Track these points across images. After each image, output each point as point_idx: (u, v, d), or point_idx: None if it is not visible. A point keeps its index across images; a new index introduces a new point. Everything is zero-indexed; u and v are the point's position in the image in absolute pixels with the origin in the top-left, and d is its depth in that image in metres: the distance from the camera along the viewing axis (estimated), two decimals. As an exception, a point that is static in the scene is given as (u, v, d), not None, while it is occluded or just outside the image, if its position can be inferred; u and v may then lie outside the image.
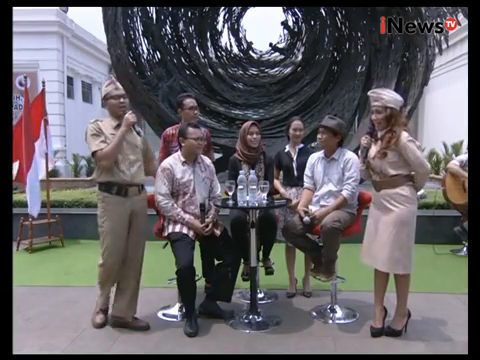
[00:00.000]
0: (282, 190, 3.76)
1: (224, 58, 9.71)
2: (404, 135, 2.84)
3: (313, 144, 6.78)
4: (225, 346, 2.89)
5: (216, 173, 3.54)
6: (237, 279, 3.35)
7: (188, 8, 8.94)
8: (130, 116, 3.01)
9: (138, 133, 3.13)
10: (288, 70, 9.76)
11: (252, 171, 3.31)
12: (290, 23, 9.63)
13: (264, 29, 12.46)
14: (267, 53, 9.90)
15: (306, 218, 3.16)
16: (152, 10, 8.52)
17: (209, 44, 9.50)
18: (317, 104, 8.82)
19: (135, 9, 8.15)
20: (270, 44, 9.79)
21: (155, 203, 3.27)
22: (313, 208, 3.32)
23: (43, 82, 5.93)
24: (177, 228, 3.20)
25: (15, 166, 5.46)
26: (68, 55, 15.27)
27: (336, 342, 2.92)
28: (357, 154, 3.19)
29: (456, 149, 12.44)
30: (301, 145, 3.86)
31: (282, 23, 9.65)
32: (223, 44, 9.70)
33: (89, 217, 5.45)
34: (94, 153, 2.99)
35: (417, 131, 16.85)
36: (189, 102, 3.75)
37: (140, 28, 8.35)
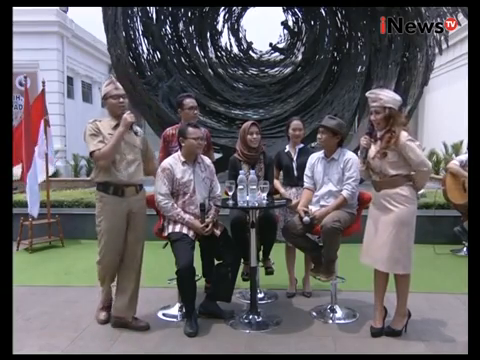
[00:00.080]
0: (282, 190, 3.76)
1: (224, 58, 9.71)
2: (403, 135, 2.84)
3: (313, 144, 6.77)
4: (225, 346, 2.89)
5: (216, 173, 3.54)
6: (237, 279, 3.35)
7: (188, 8, 8.93)
8: (128, 116, 3.01)
9: (135, 133, 3.13)
10: (288, 70, 9.75)
11: (252, 171, 3.31)
12: (290, 23, 9.63)
13: (264, 29, 12.48)
14: (267, 53, 9.89)
15: (306, 218, 3.17)
16: (152, 10, 8.52)
17: (209, 44, 9.50)
18: (317, 104, 8.82)
19: (135, 9, 8.14)
20: (270, 44, 9.79)
21: (155, 203, 3.27)
22: (313, 208, 3.33)
23: (43, 82, 5.93)
24: (177, 228, 3.20)
25: (19, 167, 5.47)
26: (68, 55, 15.28)
27: (336, 342, 2.92)
28: (357, 154, 3.19)
29: (456, 149, 12.45)
30: (301, 145, 3.86)
31: (282, 23, 9.65)
32: (223, 44, 9.70)
33: (89, 217, 5.40)
34: (92, 153, 3.00)
35: (417, 131, 16.85)
36: (189, 102, 3.76)
37: (140, 28, 8.35)
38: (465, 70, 10.73)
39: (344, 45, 9.10)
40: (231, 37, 9.67)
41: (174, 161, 3.30)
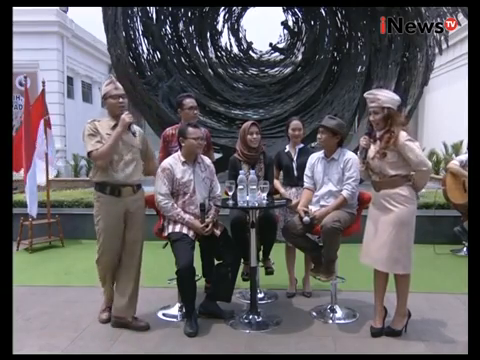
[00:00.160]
0: (282, 190, 3.76)
1: (224, 58, 9.71)
2: (402, 135, 2.84)
3: (313, 144, 6.77)
4: (225, 346, 2.89)
5: (216, 173, 3.54)
6: (237, 279, 3.35)
7: (188, 8, 8.93)
8: (126, 117, 3.01)
9: (133, 134, 3.13)
10: (288, 70, 9.75)
11: (252, 171, 3.31)
12: (290, 23, 9.63)
13: (264, 29, 12.48)
14: (267, 53, 9.89)
15: (306, 218, 3.17)
16: (152, 10, 8.52)
17: (209, 44, 9.50)
18: (317, 104, 8.82)
19: (135, 9, 8.14)
20: (270, 44, 9.79)
21: (155, 203, 3.27)
22: (313, 208, 3.33)
23: (43, 82, 5.93)
24: (177, 228, 3.20)
25: (21, 173, 5.48)
26: (68, 55, 15.29)
27: (336, 342, 2.92)
28: (357, 154, 3.19)
29: (456, 149, 12.45)
30: (301, 145, 3.86)
31: (282, 23, 9.65)
32: (223, 44, 9.70)
33: (89, 217, 5.36)
34: (90, 153, 3.01)
35: (417, 131, 16.85)
36: (189, 102, 3.75)
37: (140, 28, 8.35)
38: (465, 70, 10.73)
39: (344, 45, 9.10)
40: (231, 37, 9.68)
41: (174, 161, 3.30)
